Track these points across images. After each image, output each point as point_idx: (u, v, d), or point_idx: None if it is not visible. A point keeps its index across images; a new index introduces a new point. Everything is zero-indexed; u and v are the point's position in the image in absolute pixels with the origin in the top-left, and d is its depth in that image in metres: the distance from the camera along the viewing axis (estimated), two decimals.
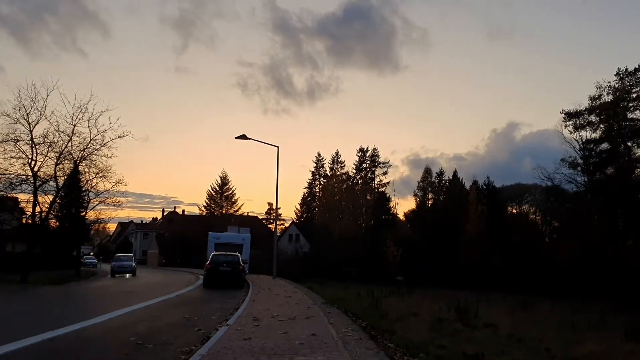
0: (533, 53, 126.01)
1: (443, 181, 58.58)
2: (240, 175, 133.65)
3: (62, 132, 24.71)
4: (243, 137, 28.08)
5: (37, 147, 24.04)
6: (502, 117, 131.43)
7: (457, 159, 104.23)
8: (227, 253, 23.65)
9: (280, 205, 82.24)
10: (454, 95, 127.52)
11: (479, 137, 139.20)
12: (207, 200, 73.28)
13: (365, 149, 62.87)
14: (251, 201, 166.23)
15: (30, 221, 26.15)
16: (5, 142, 23.32)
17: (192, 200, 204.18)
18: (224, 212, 71.12)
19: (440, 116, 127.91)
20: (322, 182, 65.32)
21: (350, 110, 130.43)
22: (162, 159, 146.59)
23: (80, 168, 27.09)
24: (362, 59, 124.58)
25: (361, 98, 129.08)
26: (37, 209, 24.69)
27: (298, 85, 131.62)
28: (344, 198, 57.40)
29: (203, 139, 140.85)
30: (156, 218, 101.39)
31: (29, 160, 23.96)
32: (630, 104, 40.89)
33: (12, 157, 23.56)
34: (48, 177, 25.02)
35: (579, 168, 43.38)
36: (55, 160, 24.92)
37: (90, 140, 25.46)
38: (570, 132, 43.58)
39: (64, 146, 24.91)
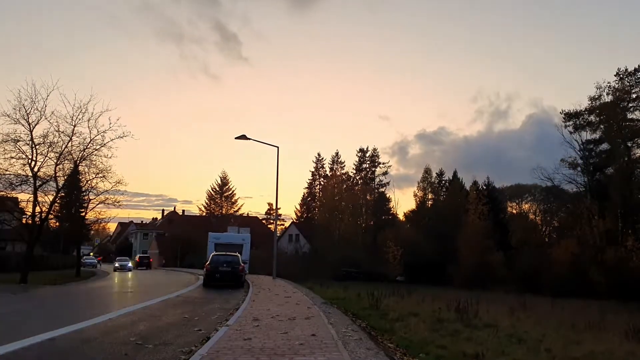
0: (533, 48, 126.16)
1: (443, 181, 58.69)
2: (237, 174, 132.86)
3: (62, 132, 24.72)
4: (243, 137, 28.07)
5: (37, 147, 24.04)
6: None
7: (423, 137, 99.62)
8: (227, 253, 23.62)
9: (280, 206, 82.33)
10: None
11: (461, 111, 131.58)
12: (207, 201, 73.48)
13: (365, 149, 63.01)
14: (251, 199, 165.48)
15: (30, 221, 26.11)
16: (5, 142, 23.29)
17: (186, 197, 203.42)
18: (224, 212, 71.24)
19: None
20: (322, 183, 65.39)
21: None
22: (152, 156, 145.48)
23: (80, 168, 27.10)
24: None
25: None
26: (37, 209, 24.68)
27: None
28: (344, 198, 57.41)
29: (197, 135, 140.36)
30: (156, 218, 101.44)
31: (29, 161, 23.96)
32: (630, 104, 40.99)
33: (12, 157, 23.52)
34: (48, 177, 24.99)
35: (579, 168, 43.49)
36: (55, 161, 24.93)
37: (90, 140, 25.52)
38: (570, 133, 43.72)
39: (64, 146, 24.93)
